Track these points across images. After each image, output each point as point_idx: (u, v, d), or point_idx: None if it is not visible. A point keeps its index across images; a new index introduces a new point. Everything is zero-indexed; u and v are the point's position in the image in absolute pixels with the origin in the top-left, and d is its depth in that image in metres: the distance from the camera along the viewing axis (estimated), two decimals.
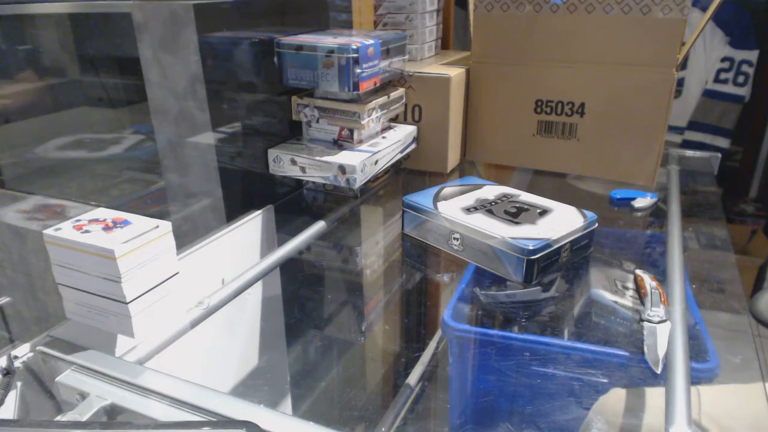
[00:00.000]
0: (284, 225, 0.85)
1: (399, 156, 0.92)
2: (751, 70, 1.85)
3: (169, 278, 0.54)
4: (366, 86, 0.81)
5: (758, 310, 1.20)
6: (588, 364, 0.58)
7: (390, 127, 0.95)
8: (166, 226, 0.53)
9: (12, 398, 0.50)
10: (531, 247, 0.65)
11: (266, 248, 0.83)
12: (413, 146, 0.96)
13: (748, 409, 0.55)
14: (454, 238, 0.73)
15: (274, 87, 0.85)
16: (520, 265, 0.65)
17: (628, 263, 0.75)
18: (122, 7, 0.75)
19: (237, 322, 0.75)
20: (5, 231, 0.95)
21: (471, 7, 0.97)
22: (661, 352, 0.54)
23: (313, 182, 0.91)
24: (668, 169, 1.00)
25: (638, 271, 0.68)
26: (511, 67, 0.95)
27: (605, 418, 0.53)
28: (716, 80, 1.90)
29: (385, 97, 0.89)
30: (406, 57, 0.93)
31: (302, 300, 0.79)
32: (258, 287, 0.72)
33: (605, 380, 0.57)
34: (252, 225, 0.81)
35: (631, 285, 0.69)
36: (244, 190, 0.83)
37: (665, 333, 0.56)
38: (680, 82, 1.92)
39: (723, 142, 1.94)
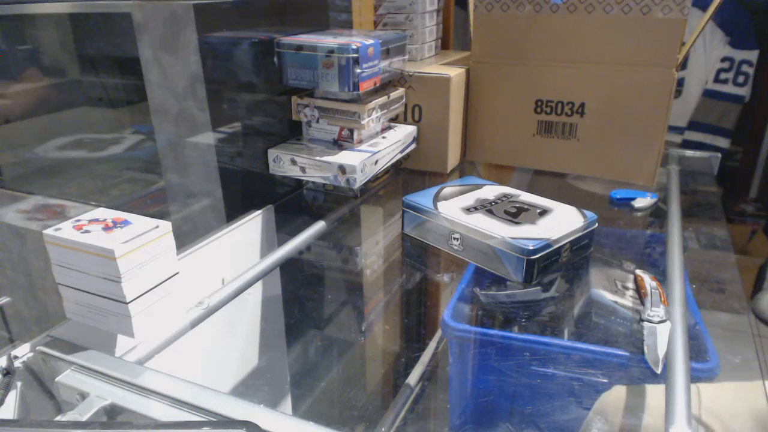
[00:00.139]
0: (284, 225, 0.85)
1: (399, 156, 0.92)
2: (751, 70, 1.85)
3: (169, 278, 0.54)
4: (366, 86, 0.81)
5: (760, 309, 1.20)
6: (588, 364, 0.58)
7: (390, 127, 0.95)
8: (166, 226, 0.53)
9: (12, 398, 0.50)
10: (531, 247, 0.65)
11: (266, 248, 0.83)
12: (413, 146, 0.96)
13: (748, 405, 0.55)
14: (454, 238, 0.73)
15: (274, 87, 0.85)
16: (520, 265, 0.65)
17: (628, 263, 0.75)
18: (122, 7, 0.75)
19: (237, 322, 0.75)
20: (5, 231, 0.95)
21: (471, 7, 0.97)
22: (661, 352, 0.54)
23: (313, 182, 0.91)
24: (668, 169, 1.00)
25: (638, 271, 0.68)
26: (511, 67, 0.95)
27: (607, 416, 0.53)
28: (716, 80, 1.89)
29: (385, 97, 0.89)
30: (406, 57, 0.93)
31: (302, 300, 0.79)
32: (258, 287, 0.72)
33: (605, 380, 0.57)
34: (252, 225, 0.81)
35: (631, 285, 0.69)
36: (244, 190, 0.83)
37: (665, 333, 0.56)
38: (680, 82, 1.92)
39: (723, 142, 1.94)
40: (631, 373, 0.56)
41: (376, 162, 0.85)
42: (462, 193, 0.80)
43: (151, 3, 0.70)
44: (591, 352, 0.59)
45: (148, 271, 0.51)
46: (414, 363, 0.65)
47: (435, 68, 0.95)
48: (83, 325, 0.53)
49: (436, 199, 0.78)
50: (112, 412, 0.47)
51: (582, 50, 0.89)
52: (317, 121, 0.87)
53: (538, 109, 0.95)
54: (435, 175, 0.98)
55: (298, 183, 0.94)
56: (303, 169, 0.83)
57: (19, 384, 0.51)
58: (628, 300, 0.67)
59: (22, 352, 0.52)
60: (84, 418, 0.45)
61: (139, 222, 0.52)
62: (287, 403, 0.69)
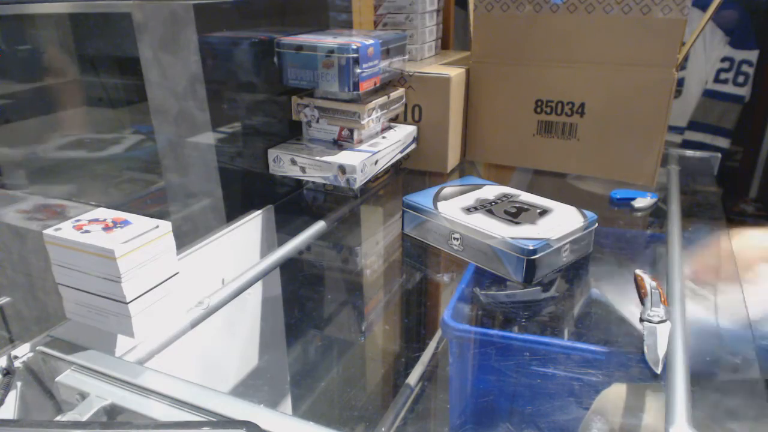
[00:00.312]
0: (284, 225, 0.85)
1: (399, 156, 0.92)
2: (751, 70, 1.85)
3: (169, 278, 0.54)
4: (366, 86, 0.81)
5: None
6: (588, 364, 0.58)
7: (390, 127, 0.95)
8: (166, 226, 0.53)
9: (12, 398, 0.50)
10: (531, 247, 0.65)
11: (266, 248, 0.83)
12: (413, 146, 0.96)
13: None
14: (454, 238, 0.73)
15: (274, 87, 0.85)
16: (520, 265, 0.65)
17: (628, 263, 0.75)
18: (122, 7, 0.75)
19: (237, 322, 0.75)
20: (5, 231, 0.95)
21: (471, 7, 0.97)
22: (661, 352, 0.54)
23: (313, 182, 0.91)
24: (668, 169, 1.00)
25: (638, 271, 0.68)
26: (511, 67, 0.95)
27: (606, 413, 0.53)
28: (716, 80, 1.89)
29: (385, 97, 0.89)
30: (406, 57, 0.93)
31: (302, 300, 0.79)
32: (258, 287, 0.72)
33: (605, 380, 0.57)
34: (252, 225, 0.81)
35: (631, 285, 0.69)
36: (244, 190, 0.83)
37: (665, 333, 0.56)
38: (680, 82, 1.92)
39: (723, 142, 1.94)
40: (631, 373, 0.56)
41: (376, 162, 0.85)
42: (462, 193, 0.80)
43: (151, 3, 0.70)
44: (591, 352, 0.59)
45: (148, 271, 0.51)
46: (414, 363, 0.65)
47: (435, 68, 0.95)
48: (83, 325, 0.53)
49: (436, 199, 0.78)
50: (112, 412, 0.47)
51: (582, 50, 0.89)
52: (317, 121, 0.87)
53: (538, 109, 0.95)
54: (435, 175, 0.98)
55: (298, 183, 0.94)
56: (303, 169, 0.83)
57: (19, 384, 0.51)
58: (628, 300, 0.67)
59: (22, 352, 0.52)
60: (84, 418, 0.45)
61: (139, 222, 0.52)
62: (287, 403, 0.69)
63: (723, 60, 1.87)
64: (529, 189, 0.81)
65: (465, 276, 0.74)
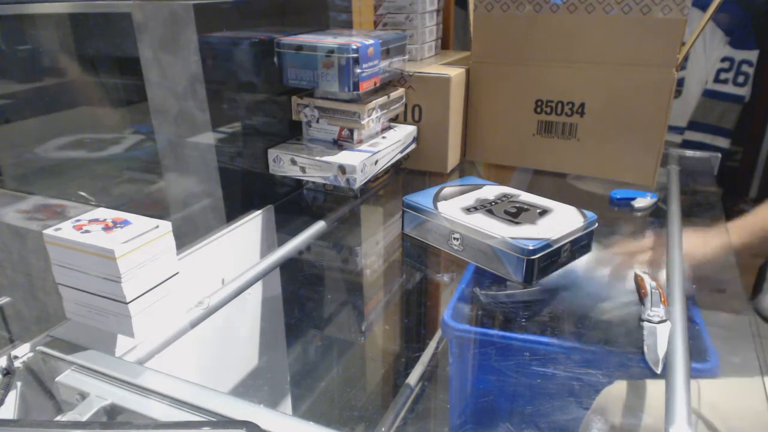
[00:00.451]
0: (284, 225, 0.85)
1: (399, 156, 0.92)
2: (751, 70, 1.85)
3: (169, 278, 0.54)
4: (366, 86, 0.81)
5: (764, 308, 1.20)
6: (588, 364, 0.58)
7: (390, 127, 0.95)
8: (166, 226, 0.53)
9: (12, 398, 0.50)
10: (531, 247, 0.65)
11: (266, 248, 0.83)
12: (413, 146, 0.96)
13: (748, 400, 0.55)
14: (454, 238, 0.73)
15: (274, 87, 0.85)
16: (520, 265, 0.65)
17: (628, 263, 0.75)
18: (122, 7, 0.75)
19: (237, 322, 0.75)
20: (5, 231, 0.95)
21: (471, 7, 0.97)
22: (661, 352, 0.54)
23: (313, 182, 0.91)
24: (668, 169, 1.00)
25: (638, 271, 0.68)
26: (511, 67, 0.95)
27: (608, 410, 0.53)
28: (716, 80, 1.90)
29: (385, 97, 0.89)
30: (406, 57, 0.93)
31: (302, 300, 0.79)
32: (258, 287, 0.72)
33: (605, 380, 0.57)
34: (252, 225, 0.81)
35: (631, 285, 0.69)
36: (244, 190, 0.83)
37: (665, 333, 0.56)
38: (680, 82, 1.92)
39: (723, 142, 1.94)
40: (631, 373, 0.56)
41: (376, 162, 0.85)
42: (462, 193, 0.80)
43: (151, 3, 0.70)
44: (591, 352, 0.59)
45: (148, 271, 0.51)
46: (414, 363, 0.65)
47: (435, 68, 0.95)
48: (83, 325, 0.53)
49: (436, 199, 0.78)
50: (112, 412, 0.47)
51: (582, 50, 0.89)
52: (317, 121, 0.87)
53: (538, 109, 0.95)
54: (435, 175, 0.98)
55: (298, 183, 0.94)
56: (303, 169, 0.83)
57: (19, 384, 0.51)
58: (628, 300, 0.67)
59: (22, 352, 0.52)
60: (84, 418, 0.45)
61: (139, 222, 0.52)
62: (287, 403, 0.69)
63: (723, 60, 1.87)
64: (529, 189, 0.81)
65: (465, 276, 0.74)
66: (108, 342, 0.54)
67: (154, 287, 0.52)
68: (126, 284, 0.49)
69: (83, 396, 0.48)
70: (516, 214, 0.73)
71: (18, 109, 0.99)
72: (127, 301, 0.50)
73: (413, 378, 0.64)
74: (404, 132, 0.93)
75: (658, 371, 0.53)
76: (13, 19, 0.90)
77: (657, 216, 0.87)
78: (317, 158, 0.82)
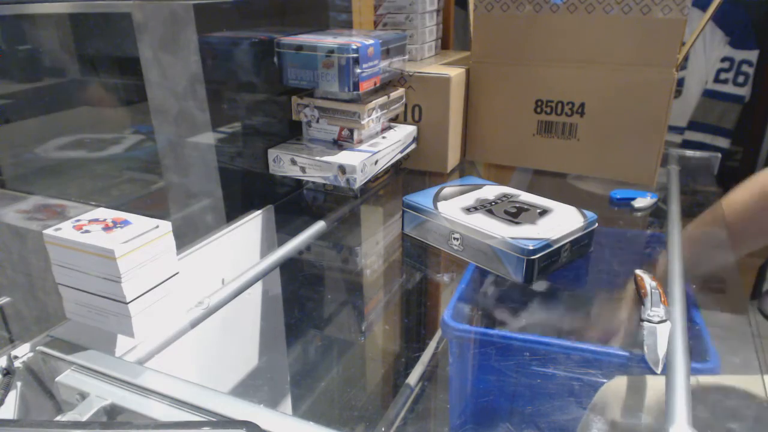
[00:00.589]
0: (284, 225, 0.85)
1: (399, 156, 0.92)
2: (751, 70, 1.86)
3: (169, 278, 0.54)
4: (366, 86, 0.81)
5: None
6: (588, 364, 0.58)
7: (390, 127, 0.95)
8: (166, 226, 0.53)
9: (12, 398, 0.50)
10: (531, 247, 0.65)
11: (266, 248, 0.83)
12: (413, 146, 0.96)
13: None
14: (454, 238, 0.73)
15: (274, 87, 0.85)
16: (520, 265, 0.65)
17: (628, 263, 0.75)
18: (122, 7, 0.75)
19: (237, 322, 0.75)
20: (5, 231, 0.95)
21: (471, 7, 0.97)
22: (661, 352, 0.54)
23: (313, 182, 0.91)
24: (668, 169, 1.00)
25: (638, 271, 0.68)
26: (511, 67, 0.95)
27: (608, 406, 0.53)
28: (716, 80, 1.90)
29: (385, 97, 0.89)
30: (406, 57, 0.93)
31: (302, 300, 0.79)
32: (258, 287, 0.72)
33: (605, 380, 0.57)
34: (252, 225, 0.81)
35: (631, 285, 0.69)
36: (244, 190, 0.83)
37: (665, 333, 0.56)
38: (680, 82, 1.92)
39: (723, 142, 1.94)
40: (631, 373, 0.56)
41: (376, 162, 0.85)
42: (462, 193, 0.80)
43: (151, 3, 0.70)
44: (591, 352, 0.59)
45: (148, 271, 0.51)
46: (414, 363, 0.65)
47: (435, 68, 0.95)
48: (83, 325, 0.53)
49: (436, 199, 0.78)
50: (112, 412, 0.47)
51: (582, 50, 0.89)
52: (317, 121, 0.87)
53: (538, 109, 0.95)
54: (435, 175, 0.98)
55: (298, 183, 0.94)
56: (303, 169, 0.83)
57: (19, 384, 0.51)
58: (628, 300, 0.67)
59: (22, 352, 0.52)
60: (84, 418, 0.45)
61: (139, 222, 0.52)
62: (287, 403, 0.69)
63: (723, 60, 1.87)
64: (529, 189, 0.81)
65: (465, 276, 0.74)
66: (108, 342, 0.54)
67: (154, 287, 0.52)
68: (126, 284, 0.49)
69: (83, 396, 0.48)
70: (516, 214, 0.73)
71: (18, 109, 0.99)
72: (127, 301, 0.50)
73: (413, 378, 0.64)
74: (404, 132, 0.93)
75: (658, 371, 0.53)
76: (13, 19, 0.90)
77: (657, 216, 0.87)
78: (317, 158, 0.82)
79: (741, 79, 1.86)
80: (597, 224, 0.73)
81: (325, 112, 0.86)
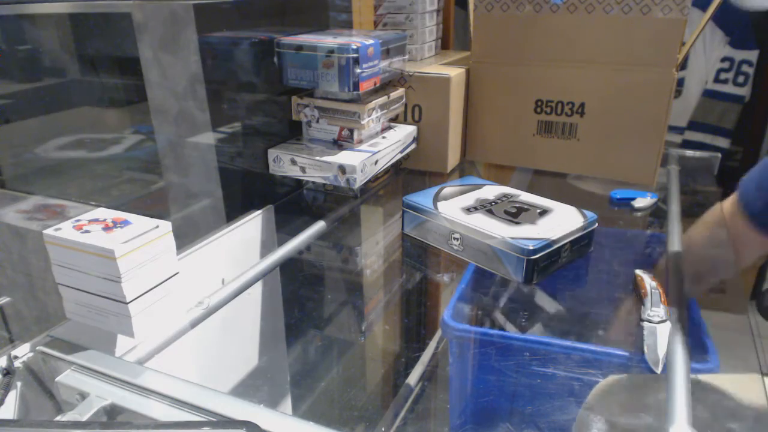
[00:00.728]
0: (284, 225, 0.85)
1: (399, 156, 0.92)
2: (751, 70, 1.85)
3: (169, 278, 0.54)
4: (366, 86, 0.81)
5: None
6: (588, 364, 0.58)
7: (390, 127, 0.95)
8: (166, 226, 0.53)
9: (12, 398, 0.50)
10: (531, 247, 0.65)
11: (266, 248, 0.83)
12: (413, 146, 0.96)
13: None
14: (454, 238, 0.73)
15: (274, 87, 0.85)
16: (520, 265, 0.65)
17: (628, 263, 0.75)
18: (122, 7, 0.75)
19: (237, 322, 0.75)
20: (5, 231, 0.95)
21: (471, 7, 0.97)
22: (661, 352, 0.54)
23: (313, 182, 0.91)
24: (668, 169, 1.00)
25: (638, 271, 0.68)
26: (511, 67, 0.95)
27: (602, 406, 0.53)
28: (716, 80, 1.90)
29: (385, 97, 0.89)
30: (406, 57, 0.93)
31: (302, 300, 0.79)
32: (258, 287, 0.72)
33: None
34: (252, 225, 0.81)
35: (631, 285, 0.69)
36: (244, 190, 0.83)
37: (665, 333, 0.56)
38: (680, 82, 1.92)
39: (723, 142, 1.94)
40: (630, 373, 0.56)
41: (376, 162, 0.85)
42: (462, 193, 0.80)
43: (151, 3, 0.70)
44: (591, 352, 0.59)
45: (148, 271, 0.51)
46: (414, 363, 0.65)
47: (435, 68, 0.95)
48: (83, 325, 0.53)
49: (436, 199, 0.78)
50: (112, 412, 0.47)
51: (582, 50, 0.89)
52: (317, 121, 0.87)
53: (538, 109, 0.95)
54: (435, 175, 0.98)
55: (298, 183, 0.94)
56: (303, 169, 0.83)
57: (19, 384, 0.51)
58: (628, 300, 0.67)
59: (22, 352, 0.52)
60: (84, 418, 0.45)
61: (139, 222, 0.52)
62: (287, 403, 0.70)
63: (723, 60, 1.87)
64: (529, 189, 0.81)
65: (465, 276, 0.74)
66: (108, 342, 0.54)
67: (154, 287, 0.52)
68: (126, 284, 0.49)
69: (83, 396, 0.48)
70: (516, 214, 0.73)
71: (18, 109, 0.99)
72: (127, 301, 0.50)
73: (413, 378, 0.64)
74: (404, 132, 0.93)
75: (658, 371, 0.53)
76: (13, 19, 0.91)
77: (657, 216, 0.87)
78: (317, 158, 0.82)
79: (741, 79, 1.86)
80: (597, 224, 0.73)
81: (325, 112, 0.86)
